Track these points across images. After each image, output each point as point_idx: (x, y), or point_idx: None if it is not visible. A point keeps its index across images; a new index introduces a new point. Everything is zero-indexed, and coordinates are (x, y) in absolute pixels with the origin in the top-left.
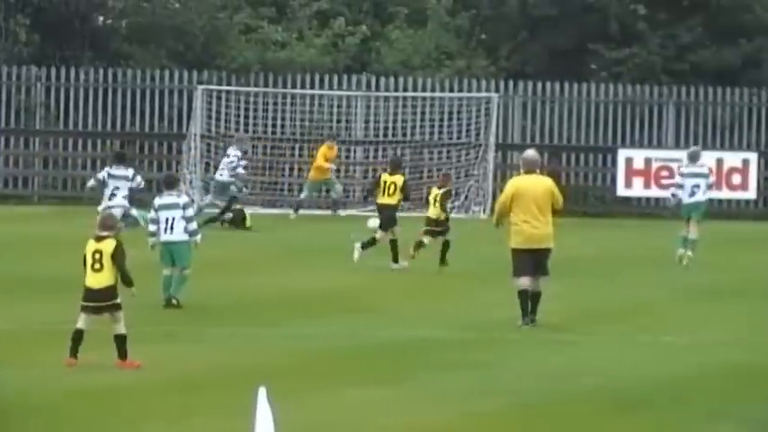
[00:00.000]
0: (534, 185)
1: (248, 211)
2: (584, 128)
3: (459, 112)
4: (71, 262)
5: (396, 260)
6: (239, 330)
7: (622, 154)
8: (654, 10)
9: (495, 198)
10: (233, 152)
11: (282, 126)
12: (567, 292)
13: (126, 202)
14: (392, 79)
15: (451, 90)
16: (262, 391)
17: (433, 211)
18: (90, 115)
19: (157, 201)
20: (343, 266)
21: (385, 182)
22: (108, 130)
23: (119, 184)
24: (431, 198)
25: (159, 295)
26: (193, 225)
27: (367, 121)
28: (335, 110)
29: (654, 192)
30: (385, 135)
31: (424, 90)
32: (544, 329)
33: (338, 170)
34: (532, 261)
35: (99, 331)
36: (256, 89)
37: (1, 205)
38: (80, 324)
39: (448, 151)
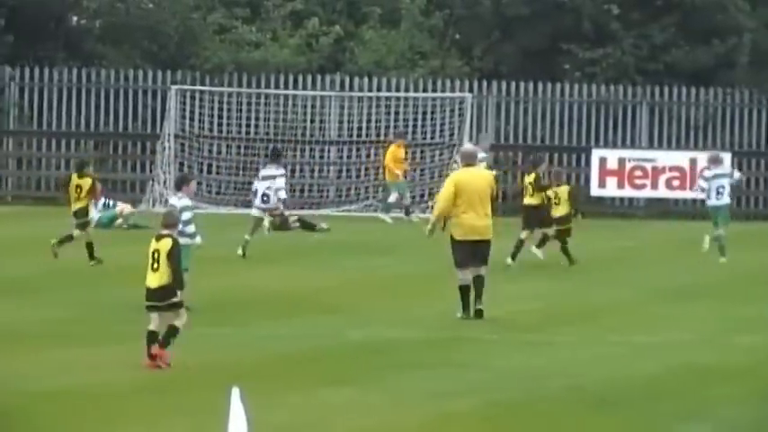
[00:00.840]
0: (475, 178)
1: (222, 210)
2: (557, 128)
3: (432, 113)
4: (37, 262)
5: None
6: (211, 331)
7: (596, 154)
8: (627, 10)
9: None
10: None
11: (256, 126)
12: (539, 292)
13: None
14: (366, 79)
15: (425, 90)
16: (235, 392)
17: (560, 209)
18: (64, 115)
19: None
20: (315, 267)
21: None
22: (82, 131)
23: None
24: (552, 196)
25: (134, 294)
26: (190, 228)
27: (341, 122)
28: (309, 110)
29: (627, 192)
30: (359, 135)
31: (397, 90)
32: (515, 330)
33: (312, 170)
34: (474, 252)
35: (69, 333)
36: (230, 89)
37: None
38: (150, 326)
39: (422, 151)
